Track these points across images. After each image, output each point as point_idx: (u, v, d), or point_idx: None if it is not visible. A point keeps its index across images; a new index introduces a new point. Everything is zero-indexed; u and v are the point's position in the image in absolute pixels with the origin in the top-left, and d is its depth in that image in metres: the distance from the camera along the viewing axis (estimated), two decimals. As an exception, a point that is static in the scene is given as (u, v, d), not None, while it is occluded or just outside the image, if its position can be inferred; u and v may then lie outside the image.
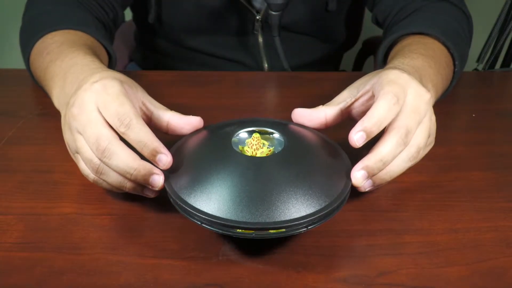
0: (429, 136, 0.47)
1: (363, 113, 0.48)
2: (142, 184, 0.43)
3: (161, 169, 0.43)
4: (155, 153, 0.42)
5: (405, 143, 0.44)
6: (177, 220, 0.45)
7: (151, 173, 0.42)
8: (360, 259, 0.43)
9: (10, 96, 0.71)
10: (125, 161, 0.42)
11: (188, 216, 0.41)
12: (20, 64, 0.69)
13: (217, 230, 0.40)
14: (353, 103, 0.50)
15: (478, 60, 0.89)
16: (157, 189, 0.43)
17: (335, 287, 0.40)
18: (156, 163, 0.43)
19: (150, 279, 0.40)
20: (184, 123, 0.49)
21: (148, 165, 0.42)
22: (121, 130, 0.42)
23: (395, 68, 0.51)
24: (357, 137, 0.43)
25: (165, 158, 0.42)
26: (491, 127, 0.66)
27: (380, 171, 0.44)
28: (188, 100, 0.69)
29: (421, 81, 0.54)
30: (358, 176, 0.43)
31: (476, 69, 0.89)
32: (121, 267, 0.41)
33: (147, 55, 1.02)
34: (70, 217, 0.47)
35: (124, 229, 0.46)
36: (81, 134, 0.44)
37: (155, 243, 0.44)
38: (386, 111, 0.43)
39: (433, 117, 0.48)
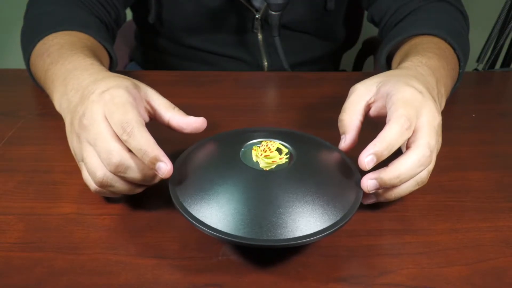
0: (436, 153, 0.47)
1: (377, 117, 0.49)
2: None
3: (162, 178, 0.43)
4: (155, 161, 0.42)
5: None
6: (177, 220, 0.45)
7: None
8: (360, 259, 0.43)
9: (10, 96, 0.71)
10: (140, 172, 0.43)
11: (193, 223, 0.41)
12: (20, 64, 0.69)
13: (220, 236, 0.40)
14: (372, 102, 0.49)
15: (478, 60, 0.89)
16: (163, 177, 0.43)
17: (335, 287, 0.40)
18: (156, 171, 0.43)
19: (150, 279, 0.40)
20: (184, 123, 0.49)
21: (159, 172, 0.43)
22: (123, 138, 0.43)
23: (413, 77, 0.49)
24: (367, 160, 0.42)
25: (164, 166, 0.42)
26: (491, 127, 0.66)
27: (393, 186, 0.44)
28: (188, 100, 0.69)
29: (437, 85, 0.53)
30: (370, 183, 0.43)
31: (476, 69, 0.89)
32: (121, 267, 0.41)
33: (147, 54, 1.02)
34: (70, 217, 0.47)
35: (124, 229, 0.46)
36: (91, 145, 0.44)
37: (155, 243, 0.44)
38: (398, 136, 0.43)
39: (440, 139, 0.48)
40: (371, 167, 0.43)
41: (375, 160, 0.42)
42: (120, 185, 0.44)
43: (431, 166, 0.46)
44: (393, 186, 0.44)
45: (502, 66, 0.96)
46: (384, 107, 0.47)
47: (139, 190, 0.46)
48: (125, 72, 0.78)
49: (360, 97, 0.50)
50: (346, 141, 0.48)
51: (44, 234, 0.45)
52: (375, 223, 0.47)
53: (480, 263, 0.43)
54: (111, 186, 0.44)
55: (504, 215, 0.48)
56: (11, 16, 1.35)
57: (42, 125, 0.64)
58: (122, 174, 0.43)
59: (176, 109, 0.49)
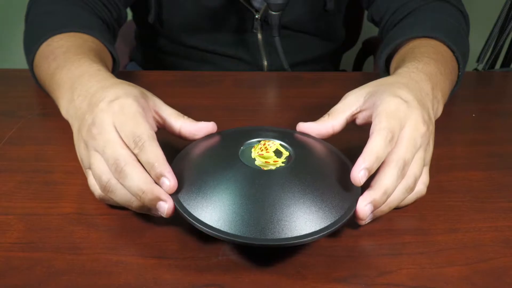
0: (424, 165, 0.47)
1: (364, 125, 0.50)
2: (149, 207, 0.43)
3: (169, 195, 0.43)
4: (160, 176, 0.42)
5: (403, 175, 0.44)
6: (177, 220, 0.45)
7: (158, 199, 0.42)
8: (360, 259, 0.43)
9: (10, 96, 0.71)
10: (136, 183, 0.42)
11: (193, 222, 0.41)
12: (20, 64, 0.69)
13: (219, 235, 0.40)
14: (358, 112, 0.50)
15: (478, 60, 0.88)
16: (163, 215, 0.42)
17: (335, 287, 0.40)
18: (160, 186, 0.43)
19: (150, 279, 0.40)
20: (196, 129, 0.49)
21: (156, 190, 0.42)
22: (135, 151, 0.43)
23: (404, 85, 0.50)
24: (361, 175, 0.42)
25: (167, 182, 0.42)
26: (491, 127, 0.66)
27: (383, 203, 0.44)
28: (188, 100, 0.69)
29: (433, 90, 0.53)
30: (367, 209, 0.43)
31: (476, 69, 0.89)
32: (121, 267, 0.41)
33: (147, 54, 1.02)
34: (70, 217, 0.47)
35: (124, 229, 0.46)
36: (98, 152, 0.44)
37: (155, 243, 0.44)
38: (383, 148, 0.44)
39: (429, 147, 0.48)
40: (364, 182, 0.43)
41: (367, 174, 0.43)
42: (121, 193, 0.43)
43: (417, 173, 0.45)
44: (384, 203, 0.44)
45: (502, 66, 0.96)
46: (370, 116, 0.48)
47: (135, 205, 0.44)
48: (125, 72, 0.78)
49: (347, 106, 0.51)
50: (309, 123, 0.50)
51: (44, 234, 0.45)
52: (375, 223, 0.47)
53: (480, 263, 0.43)
54: (113, 192, 0.44)
55: (504, 215, 0.48)
56: (10, 16, 1.35)
57: (42, 125, 0.64)
58: (121, 181, 0.43)
59: (186, 117, 0.49)
